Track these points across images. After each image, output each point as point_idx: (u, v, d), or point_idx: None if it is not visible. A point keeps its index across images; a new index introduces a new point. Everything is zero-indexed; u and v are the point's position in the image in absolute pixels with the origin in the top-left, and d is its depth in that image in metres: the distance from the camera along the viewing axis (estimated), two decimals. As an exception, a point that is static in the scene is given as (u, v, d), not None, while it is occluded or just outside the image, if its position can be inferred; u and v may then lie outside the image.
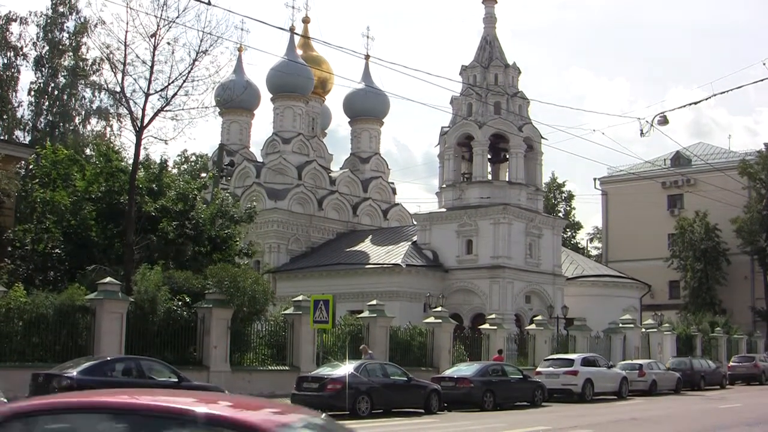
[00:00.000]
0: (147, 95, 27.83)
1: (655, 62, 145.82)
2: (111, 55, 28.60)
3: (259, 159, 66.19)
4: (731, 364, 49.14)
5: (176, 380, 21.15)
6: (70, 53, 50.48)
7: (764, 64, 24.97)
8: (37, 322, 24.16)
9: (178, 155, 79.01)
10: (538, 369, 34.71)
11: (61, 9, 50.38)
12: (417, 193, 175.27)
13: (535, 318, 46.10)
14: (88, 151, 44.18)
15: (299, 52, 67.38)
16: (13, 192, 30.91)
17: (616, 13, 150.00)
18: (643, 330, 50.11)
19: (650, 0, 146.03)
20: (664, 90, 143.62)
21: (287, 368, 30.39)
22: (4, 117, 48.59)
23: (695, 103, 28.51)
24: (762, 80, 24.98)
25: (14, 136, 47.03)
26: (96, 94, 50.32)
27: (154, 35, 27.16)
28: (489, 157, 55.95)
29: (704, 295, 67.45)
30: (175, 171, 60.45)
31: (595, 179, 79.30)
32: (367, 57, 62.47)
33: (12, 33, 49.32)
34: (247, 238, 37.90)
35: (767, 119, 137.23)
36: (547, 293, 53.61)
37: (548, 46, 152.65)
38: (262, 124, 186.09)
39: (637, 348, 47.35)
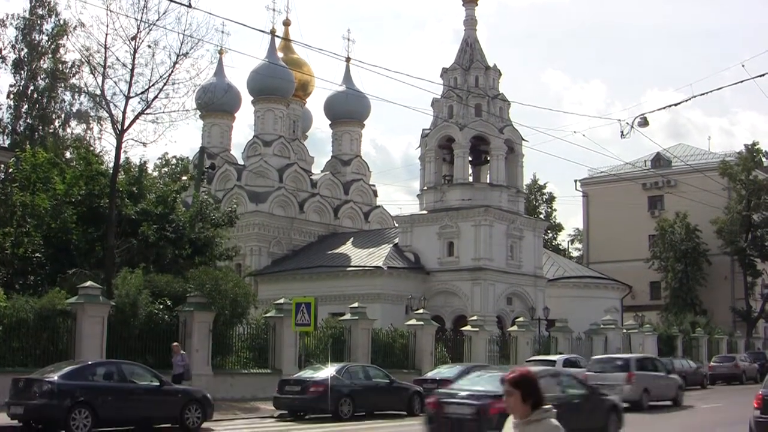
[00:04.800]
0: (127, 98, 27.68)
1: (631, 64, 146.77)
2: (91, 58, 28.50)
3: (240, 162, 66.00)
4: (712, 364, 49.41)
5: (158, 384, 21.09)
6: (50, 56, 50.15)
7: (743, 65, 25.20)
8: (17, 327, 23.98)
9: (159, 158, 78.77)
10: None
11: (39, 11, 49.98)
12: (395, 194, 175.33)
13: (516, 319, 46.20)
14: (68, 155, 43.91)
15: (280, 54, 67.21)
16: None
17: (589, 16, 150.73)
18: (624, 331, 50.34)
19: (623, 3, 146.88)
20: (640, 92, 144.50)
21: (269, 371, 30.30)
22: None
23: (676, 105, 28.74)
24: (740, 82, 25.17)
25: (-7, 140, 46.76)
26: (76, 97, 49.95)
27: (134, 38, 27.02)
28: (470, 159, 55.89)
29: (685, 296, 67.78)
30: (155, 174, 60.17)
31: (575, 181, 79.80)
32: (348, 59, 62.60)
33: (-10, 36, 48.96)
34: (229, 241, 37.63)
35: (743, 120, 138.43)
36: (529, 295, 53.66)
37: (522, 49, 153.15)
38: (242, 127, 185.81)
39: (618, 349, 47.51)
